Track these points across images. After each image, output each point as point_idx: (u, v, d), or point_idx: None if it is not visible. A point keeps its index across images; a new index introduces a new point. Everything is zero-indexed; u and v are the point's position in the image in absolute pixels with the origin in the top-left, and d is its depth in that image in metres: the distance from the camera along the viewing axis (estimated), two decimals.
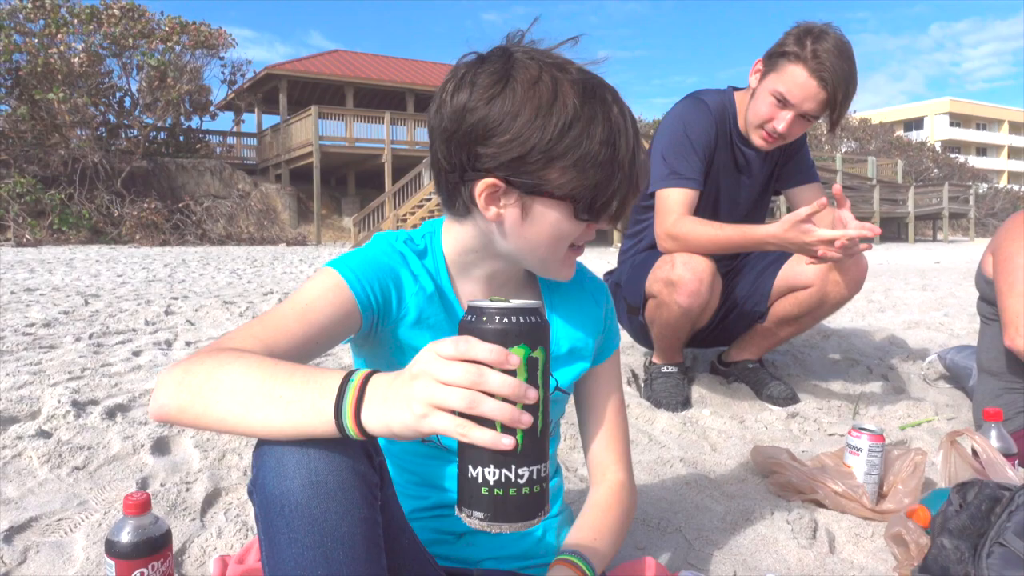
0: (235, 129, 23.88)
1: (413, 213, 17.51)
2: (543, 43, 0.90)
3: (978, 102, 59.84)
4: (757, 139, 2.22)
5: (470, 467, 0.68)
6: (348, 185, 23.05)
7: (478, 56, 0.90)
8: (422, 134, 20.53)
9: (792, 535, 1.48)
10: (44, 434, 1.92)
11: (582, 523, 1.08)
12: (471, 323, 0.69)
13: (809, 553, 1.43)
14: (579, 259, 1.04)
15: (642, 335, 2.53)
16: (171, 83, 19.25)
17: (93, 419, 2.05)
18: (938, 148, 43.51)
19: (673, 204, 2.18)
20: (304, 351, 0.88)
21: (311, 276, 0.95)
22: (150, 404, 0.80)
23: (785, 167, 2.43)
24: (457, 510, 0.70)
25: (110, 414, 2.12)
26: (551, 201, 0.89)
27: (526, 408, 0.67)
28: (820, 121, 2.20)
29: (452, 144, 0.88)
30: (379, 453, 0.82)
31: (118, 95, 19.95)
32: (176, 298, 5.32)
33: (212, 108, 21.75)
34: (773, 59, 2.10)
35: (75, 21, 18.57)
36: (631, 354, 2.90)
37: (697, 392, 2.51)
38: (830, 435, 2.19)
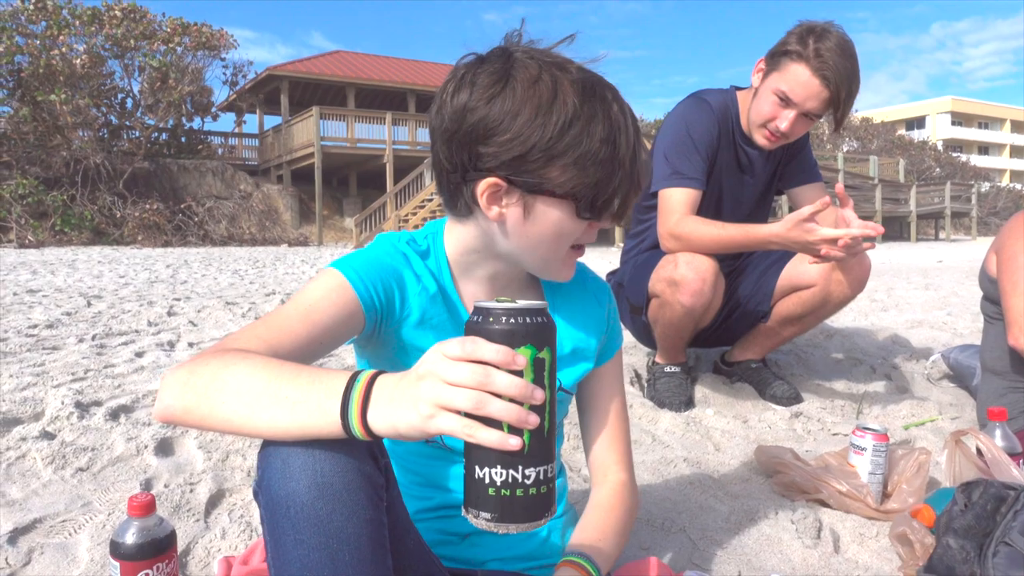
0: (237, 130, 23.95)
1: (415, 213, 17.51)
2: (542, 42, 0.90)
3: (980, 101, 59.85)
4: (760, 138, 2.22)
5: (477, 468, 0.68)
6: (350, 186, 23.06)
7: (478, 56, 0.90)
8: (423, 134, 20.53)
9: (796, 535, 1.48)
10: (48, 435, 1.93)
11: (586, 524, 1.07)
12: (478, 324, 0.68)
13: (813, 553, 1.43)
14: (581, 259, 1.04)
15: (645, 335, 2.52)
16: (173, 84, 19.27)
17: (96, 420, 2.05)
18: (940, 147, 43.48)
19: (676, 204, 2.18)
20: (308, 352, 0.87)
21: (314, 277, 0.95)
22: (155, 405, 0.80)
23: (788, 166, 2.43)
24: (464, 511, 0.71)
25: (113, 415, 2.12)
26: (553, 200, 0.89)
27: (533, 409, 0.66)
28: (822, 120, 2.20)
29: (453, 144, 0.89)
30: (384, 454, 0.82)
31: (120, 96, 19.99)
32: (178, 299, 5.33)
33: (214, 109, 21.79)
34: (776, 58, 2.10)
35: (77, 23, 18.60)
36: (634, 354, 2.90)
37: (700, 392, 2.50)
38: (834, 435, 2.18)
